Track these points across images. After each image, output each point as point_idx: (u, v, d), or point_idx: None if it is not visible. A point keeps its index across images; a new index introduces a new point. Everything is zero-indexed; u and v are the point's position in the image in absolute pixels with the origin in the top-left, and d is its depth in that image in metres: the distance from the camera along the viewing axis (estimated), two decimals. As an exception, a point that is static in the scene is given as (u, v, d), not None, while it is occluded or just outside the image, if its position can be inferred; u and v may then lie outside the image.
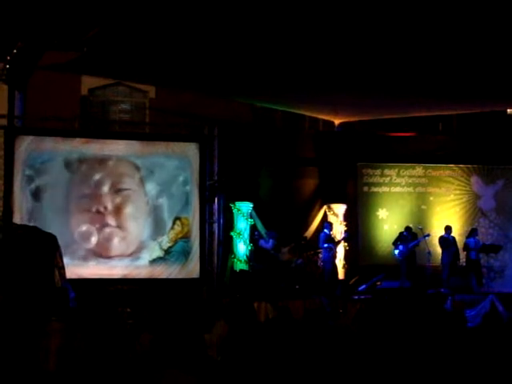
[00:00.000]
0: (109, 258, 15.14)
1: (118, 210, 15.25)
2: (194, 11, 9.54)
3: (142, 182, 15.50)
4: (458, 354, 6.55)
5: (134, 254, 15.31)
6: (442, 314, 11.02)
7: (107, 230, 15.15)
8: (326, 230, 16.05)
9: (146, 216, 15.44)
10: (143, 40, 10.93)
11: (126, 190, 15.37)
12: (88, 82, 17.38)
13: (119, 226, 15.22)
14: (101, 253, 15.10)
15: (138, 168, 15.51)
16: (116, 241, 15.18)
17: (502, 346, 6.89)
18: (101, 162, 15.31)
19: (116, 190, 15.31)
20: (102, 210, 15.13)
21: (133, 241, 15.33)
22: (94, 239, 15.07)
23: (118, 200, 15.28)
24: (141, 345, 6.73)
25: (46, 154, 14.97)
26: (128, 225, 15.30)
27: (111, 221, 15.17)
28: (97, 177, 15.22)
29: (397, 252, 16.10)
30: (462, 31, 9.94)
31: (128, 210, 15.31)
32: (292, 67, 11.95)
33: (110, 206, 15.18)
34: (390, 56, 11.12)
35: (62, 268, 9.08)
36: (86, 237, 15.05)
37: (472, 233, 16.64)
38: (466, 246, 16.49)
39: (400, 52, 10.89)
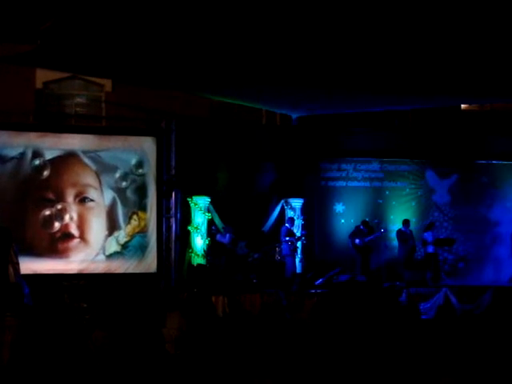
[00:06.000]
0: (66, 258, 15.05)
1: (77, 217, 15.07)
2: (151, 4, 9.49)
3: (100, 179, 15.31)
4: (413, 345, 6.65)
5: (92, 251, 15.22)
6: (396, 306, 11.16)
7: (67, 239, 14.99)
8: (287, 224, 16.10)
9: (105, 215, 15.30)
10: (99, 33, 10.81)
11: (90, 200, 15.16)
12: (43, 76, 17.13)
13: (80, 237, 15.05)
14: (58, 255, 14.93)
15: (95, 166, 15.33)
16: (75, 250, 15.03)
17: (455, 337, 7.02)
18: (59, 161, 15.11)
19: (77, 197, 15.09)
20: (62, 215, 14.94)
21: (93, 250, 15.18)
22: (50, 243, 14.91)
23: (78, 209, 15.09)
24: (93, 342, 6.69)
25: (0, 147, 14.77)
26: (89, 235, 15.14)
27: (71, 229, 15.00)
28: (58, 182, 15.03)
29: (353, 245, 16.23)
30: (418, 26, 10.03)
31: (89, 216, 15.15)
32: (250, 61, 11.94)
33: (71, 214, 14.99)
34: (347, 51, 11.18)
35: (16, 263, 8.96)
36: (44, 238, 14.88)
37: (430, 227, 16.83)
38: (424, 240, 16.67)
39: (357, 47, 10.95)
